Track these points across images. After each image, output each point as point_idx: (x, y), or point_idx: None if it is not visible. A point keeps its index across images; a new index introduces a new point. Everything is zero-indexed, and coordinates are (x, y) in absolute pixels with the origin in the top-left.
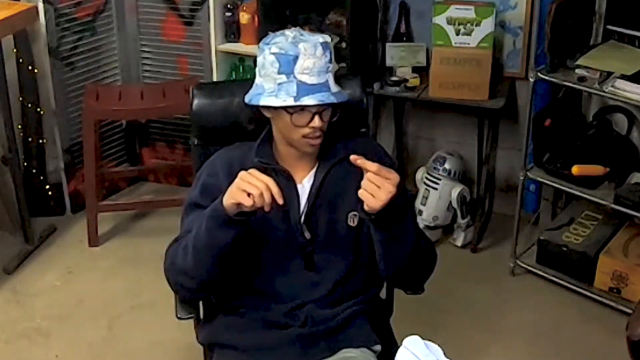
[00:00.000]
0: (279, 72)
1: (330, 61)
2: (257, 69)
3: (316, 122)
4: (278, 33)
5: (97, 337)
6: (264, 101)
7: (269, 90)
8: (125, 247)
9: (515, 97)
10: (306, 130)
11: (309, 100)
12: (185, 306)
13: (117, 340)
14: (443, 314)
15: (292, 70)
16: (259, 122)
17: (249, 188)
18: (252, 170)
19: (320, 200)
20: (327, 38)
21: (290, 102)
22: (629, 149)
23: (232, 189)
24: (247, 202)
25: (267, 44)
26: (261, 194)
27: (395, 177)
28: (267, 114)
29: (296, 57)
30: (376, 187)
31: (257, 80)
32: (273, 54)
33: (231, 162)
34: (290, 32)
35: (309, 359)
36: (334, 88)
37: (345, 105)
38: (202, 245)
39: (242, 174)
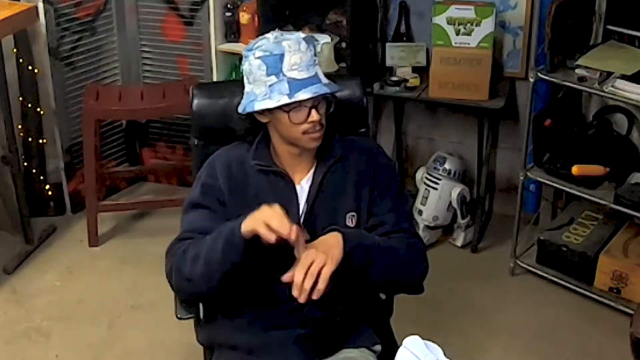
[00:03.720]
0: (268, 74)
1: (315, 54)
2: (244, 78)
3: (314, 116)
4: (258, 38)
5: (97, 337)
6: (259, 105)
7: (262, 95)
8: (125, 247)
9: (515, 97)
10: (305, 126)
11: (303, 95)
12: (185, 306)
13: (117, 340)
14: (443, 314)
15: (281, 69)
16: (255, 129)
17: (274, 225)
18: (278, 210)
19: (318, 201)
20: (302, 35)
21: (285, 100)
22: (629, 149)
23: (255, 220)
24: (269, 237)
25: (250, 49)
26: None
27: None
28: (263, 119)
29: (282, 56)
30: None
31: (247, 88)
32: (258, 57)
33: (230, 162)
34: (270, 35)
35: (309, 359)
36: (324, 80)
37: (339, 100)
38: (216, 260)
39: (268, 213)
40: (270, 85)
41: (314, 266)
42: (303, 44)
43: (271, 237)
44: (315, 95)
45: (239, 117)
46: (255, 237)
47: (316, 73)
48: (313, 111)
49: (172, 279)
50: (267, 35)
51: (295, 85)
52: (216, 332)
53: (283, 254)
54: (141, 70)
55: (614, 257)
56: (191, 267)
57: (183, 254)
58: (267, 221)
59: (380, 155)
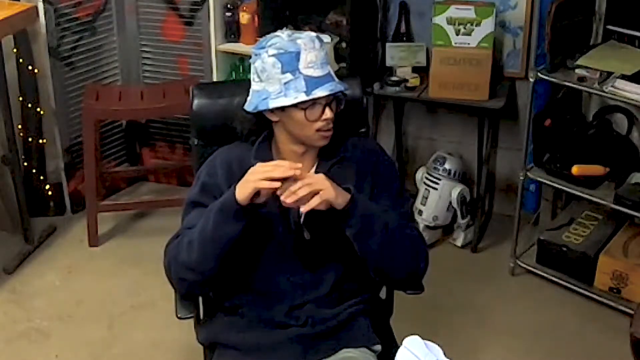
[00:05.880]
0: (283, 72)
1: (326, 53)
2: (253, 76)
3: (328, 113)
4: (269, 36)
5: (97, 337)
6: (273, 103)
7: (276, 92)
8: (125, 247)
9: (515, 97)
10: (319, 124)
11: (320, 92)
12: (185, 305)
13: (117, 340)
14: (443, 314)
15: (297, 67)
16: (259, 129)
17: (317, 186)
18: (260, 165)
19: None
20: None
21: (303, 97)
22: (629, 149)
23: (247, 182)
24: (269, 185)
25: (263, 47)
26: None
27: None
28: (274, 117)
29: (298, 53)
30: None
31: (257, 86)
32: (272, 55)
33: (230, 162)
34: (282, 32)
35: (309, 358)
36: (336, 78)
37: (345, 100)
38: (209, 238)
39: (253, 169)
40: (285, 83)
41: (316, 185)
42: (317, 42)
43: (275, 185)
44: (332, 92)
45: (243, 116)
46: (249, 205)
47: (329, 71)
48: (327, 109)
49: (170, 271)
50: (278, 33)
51: (312, 82)
52: (216, 332)
53: (283, 252)
54: (141, 70)
55: (614, 257)
56: (187, 253)
57: (178, 244)
58: (265, 175)
59: (382, 155)
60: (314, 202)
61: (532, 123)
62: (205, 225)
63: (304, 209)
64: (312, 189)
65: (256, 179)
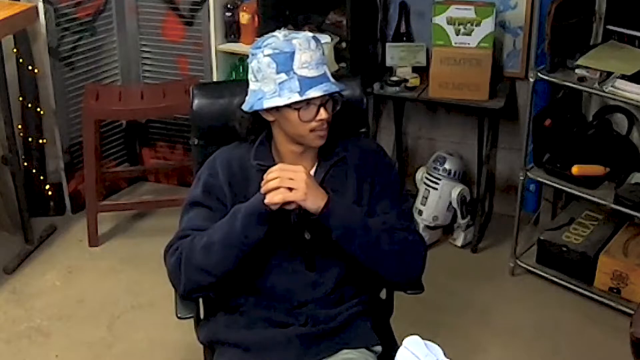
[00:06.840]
0: (278, 72)
1: (323, 54)
2: (250, 76)
3: (322, 114)
4: (266, 36)
5: (97, 337)
6: (268, 103)
7: (271, 92)
8: (125, 247)
9: (515, 97)
10: (314, 124)
11: (314, 93)
12: (185, 305)
13: (117, 340)
14: (443, 314)
15: (291, 67)
16: (258, 129)
17: (292, 184)
18: (283, 167)
19: None
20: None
21: (296, 97)
22: (629, 149)
23: (273, 190)
24: (292, 197)
25: (259, 47)
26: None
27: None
28: (269, 117)
29: (292, 53)
30: (291, 181)
31: (253, 86)
32: (267, 55)
33: (230, 162)
34: (278, 33)
35: (309, 358)
36: (332, 78)
37: (345, 101)
38: (235, 242)
39: (278, 172)
40: (280, 83)
41: (290, 183)
42: (313, 43)
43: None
44: (327, 93)
45: (241, 115)
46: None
47: (325, 72)
48: (322, 109)
49: (179, 274)
50: (275, 33)
51: (306, 83)
52: (217, 331)
53: (284, 252)
54: (141, 70)
55: (614, 257)
56: (204, 256)
57: (190, 246)
58: (286, 185)
59: (382, 155)
60: (276, 198)
61: (532, 123)
62: (231, 229)
63: (267, 199)
64: (283, 185)
65: (281, 187)
